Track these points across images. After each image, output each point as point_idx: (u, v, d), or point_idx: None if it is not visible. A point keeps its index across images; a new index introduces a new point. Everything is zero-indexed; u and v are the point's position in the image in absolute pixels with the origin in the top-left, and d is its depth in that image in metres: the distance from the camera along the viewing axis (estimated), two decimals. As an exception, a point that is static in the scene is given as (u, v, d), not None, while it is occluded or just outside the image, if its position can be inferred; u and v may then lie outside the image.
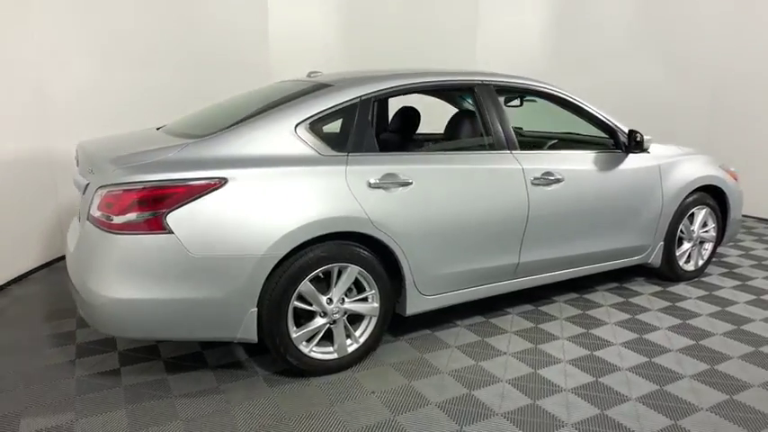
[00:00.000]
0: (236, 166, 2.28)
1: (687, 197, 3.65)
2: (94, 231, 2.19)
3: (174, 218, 2.16)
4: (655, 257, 3.65)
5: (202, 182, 2.20)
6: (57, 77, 3.99)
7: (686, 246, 3.79)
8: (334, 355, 2.55)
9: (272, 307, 2.34)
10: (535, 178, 2.98)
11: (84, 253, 2.24)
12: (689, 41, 5.91)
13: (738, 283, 3.85)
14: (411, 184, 2.61)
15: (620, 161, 3.35)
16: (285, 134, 2.44)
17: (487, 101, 3.00)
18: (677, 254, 3.74)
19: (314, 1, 5.55)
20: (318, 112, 2.53)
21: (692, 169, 3.65)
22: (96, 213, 2.19)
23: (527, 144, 4.07)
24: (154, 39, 4.50)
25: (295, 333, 2.42)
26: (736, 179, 3.97)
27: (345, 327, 2.56)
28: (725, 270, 4.13)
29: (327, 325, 2.51)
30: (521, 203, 2.93)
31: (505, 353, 2.79)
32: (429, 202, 2.65)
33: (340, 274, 2.50)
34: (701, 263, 3.90)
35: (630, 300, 3.52)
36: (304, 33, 5.54)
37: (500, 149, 2.96)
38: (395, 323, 3.05)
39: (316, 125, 2.53)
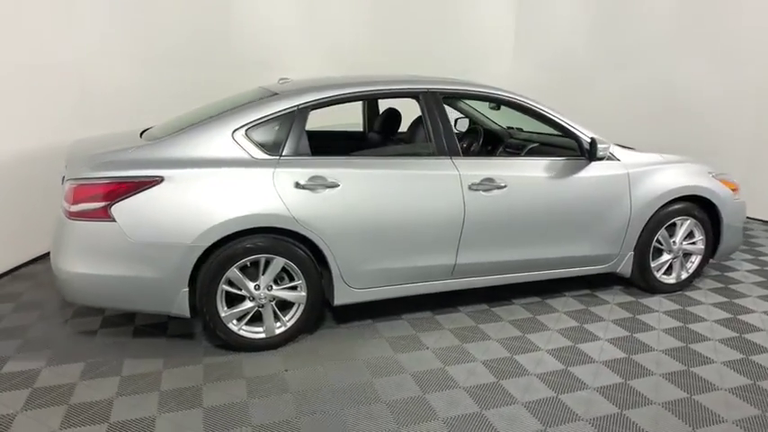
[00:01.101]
0: (173, 167, 2.66)
1: (664, 207, 3.52)
2: (61, 218, 2.69)
3: (117, 208, 2.58)
4: (624, 267, 3.58)
5: (141, 179, 2.61)
6: (99, 77, 4.64)
7: (666, 257, 3.67)
8: (263, 335, 2.89)
9: (203, 289, 2.72)
10: (473, 184, 3.08)
11: (55, 236, 2.75)
12: (737, 36, 5.46)
13: (722, 300, 3.66)
14: (338, 186, 2.85)
15: (581, 168, 3.33)
16: (223, 139, 2.79)
17: (432, 108, 3.14)
18: (653, 265, 3.63)
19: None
20: (256, 120, 2.84)
21: (669, 178, 3.52)
22: (63, 203, 2.68)
23: (514, 146, 4.11)
24: (194, 39, 5.10)
25: (224, 312, 2.79)
26: (735, 190, 3.74)
27: (274, 311, 2.88)
28: (719, 285, 3.91)
29: (256, 308, 2.85)
30: (456, 207, 3.05)
31: (429, 347, 2.97)
32: (355, 202, 2.87)
33: (268, 263, 2.82)
34: (684, 276, 3.75)
35: (591, 308, 3.50)
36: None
37: (440, 155, 3.10)
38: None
39: (253, 131, 2.84)
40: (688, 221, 3.63)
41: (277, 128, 2.89)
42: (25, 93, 3.90)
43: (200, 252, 2.66)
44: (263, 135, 2.86)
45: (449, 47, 6.63)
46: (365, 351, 2.93)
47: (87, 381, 2.61)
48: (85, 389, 2.54)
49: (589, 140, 3.33)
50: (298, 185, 2.79)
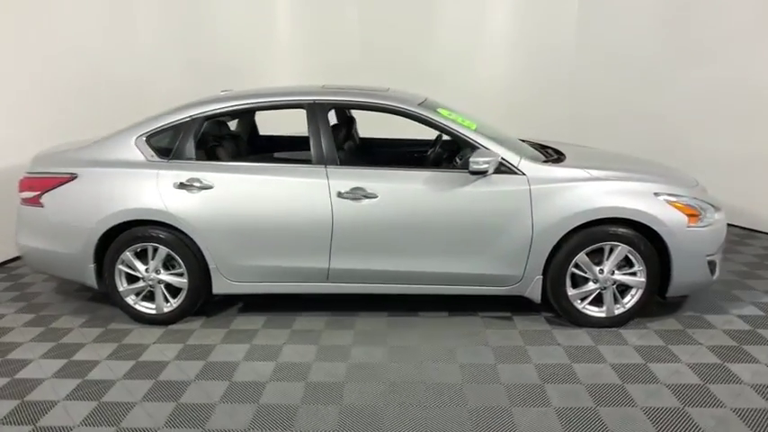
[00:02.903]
0: (85, 166, 3.32)
1: (582, 229, 3.13)
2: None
3: (45, 197, 3.33)
4: (532, 291, 3.27)
5: (61, 176, 3.32)
6: (154, 88, 5.64)
7: (591, 286, 3.24)
8: (154, 312, 3.40)
9: (106, 266, 3.33)
10: (342, 192, 3.17)
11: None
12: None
13: (649, 344, 3.10)
14: (212, 187, 3.22)
15: (467, 182, 3.16)
16: (127, 145, 3.36)
17: (315, 118, 3.30)
18: (572, 293, 3.24)
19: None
20: (154, 129, 3.36)
21: (583, 198, 3.11)
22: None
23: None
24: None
25: (122, 288, 3.36)
26: (693, 216, 3.12)
27: (163, 292, 3.37)
28: (675, 328, 3.29)
29: (147, 287, 3.37)
30: (324, 214, 3.18)
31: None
32: (227, 203, 3.21)
33: (154, 252, 3.32)
34: (619, 311, 3.25)
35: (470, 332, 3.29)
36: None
37: (316, 164, 3.25)
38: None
39: (152, 138, 3.36)
40: (619, 248, 3.15)
41: (171, 135, 3.36)
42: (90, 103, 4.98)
43: (99, 235, 3.27)
44: (159, 141, 3.37)
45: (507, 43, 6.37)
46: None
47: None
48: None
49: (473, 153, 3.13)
50: (177, 185, 3.23)
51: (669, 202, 3.14)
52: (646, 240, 3.13)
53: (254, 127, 4.47)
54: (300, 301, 3.65)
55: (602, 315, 3.27)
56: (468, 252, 3.21)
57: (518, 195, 3.14)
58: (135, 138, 3.37)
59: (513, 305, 3.56)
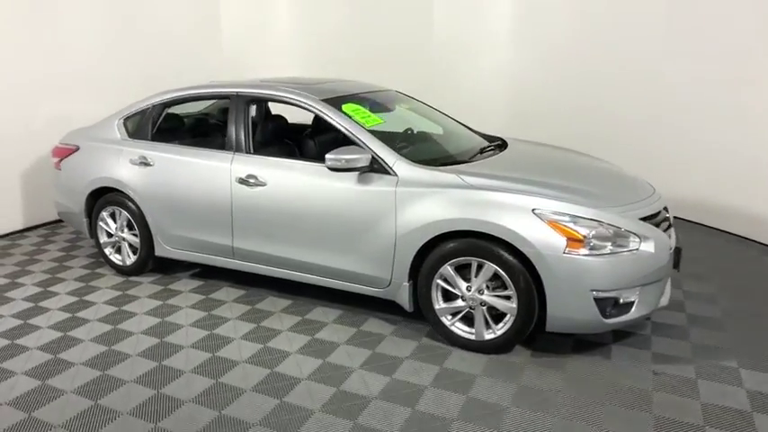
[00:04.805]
0: (85, 140, 4.17)
1: (450, 238, 2.89)
2: None
3: (62, 163, 4.29)
4: (401, 298, 3.12)
5: (70, 147, 4.23)
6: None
7: (459, 303, 2.96)
8: (121, 263, 4.13)
9: (94, 222, 4.17)
10: (239, 178, 3.44)
11: None
12: None
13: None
14: (153, 165, 3.79)
15: (342, 178, 3.15)
16: (113, 125, 4.11)
17: (234, 108, 3.61)
18: (439, 307, 3.00)
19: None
20: (130, 113, 4.06)
21: (440, 207, 2.87)
22: None
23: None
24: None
25: (102, 240, 4.16)
26: (578, 241, 2.64)
27: (127, 249, 4.08)
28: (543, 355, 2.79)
29: (117, 243, 4.12)
30: (226, 197, 3.50)
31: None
32: (160, 180, 3.75)
33: (119, 214, 4.03)
34: (489, 336, 2.91)
35: (316, 335, 3.23)
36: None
37: (227, 150, 3.57)
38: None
39: (128, 120, 4.06)
40: (485, 266, 2.82)
41: (138, 119, 4.02)
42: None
43: (85, 196, 4.11)
44: (131, 124, 4.06)
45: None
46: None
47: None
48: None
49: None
50: (131, 162, 3.88)
51: (549, 222, 2.69)
52: (517, 262, 2.74)
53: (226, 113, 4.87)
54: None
55: (472, 337, 2.97)
56: (341, 248, 3.21)
57: (384, 196, 3.03)
58: (118, 119, 4.11)
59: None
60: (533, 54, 6.21)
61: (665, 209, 3.20)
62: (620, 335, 3.14)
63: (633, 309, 2.77)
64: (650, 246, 2.75)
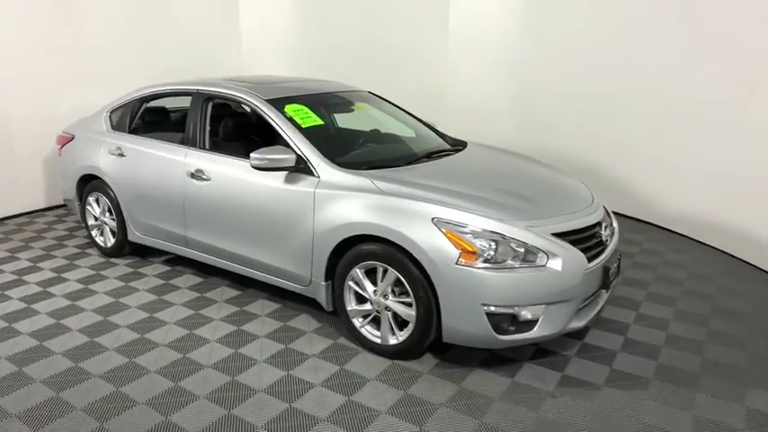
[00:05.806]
0: (80, 130, 4.54)
1: (361, 242, 2.92)
2: None
3: (63, 150, 4.69)
4: (320, 297, 3.18)
5: (68, 135, 4.62)
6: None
7: (368, 306, 2.98)
8: (103, 245, 4.47)
9: (83, 205, 4.55)
10: (190, 173, 3.63)
11: None
12: None
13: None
14: (125, 156, 4.07)
15: (270, 176, 3.25)
16: (101, 117, 4.44)
17: (194, 105, 3.80)
18: (350, 308, 3.04)
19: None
20: (115, 106, 4.37)
21: (347, 210, 2.91)
22: None
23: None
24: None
25: (90, 222, 4.52)
26: (469, 253, 2.59)
27: (108, 232, 4.41)
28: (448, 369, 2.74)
29: (101, 225, 4.46)
30: (179, 189, 3.71)
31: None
32: (130, 169, 4.03)
33: (101, 200, 4.36)
34: (393, 342, 2.92)
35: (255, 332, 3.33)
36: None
37: (185, 144, 3.77)
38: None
39: (113, 113, 4.37)
40: (389, 271, 2.82)
41: (121, 112, 4.32)
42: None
43: (75, 181, 4.48)
44: (115, 116, 4.37)
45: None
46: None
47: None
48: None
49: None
50: (109, 152, 4.18)
51: (445, 232, 2.65)
52: (416, 270, 2.73)
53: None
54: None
55: (378, 341, 2.98)
56: (269, 244, 3.31)
57: (305, 196, 3.10)
58: (106, 112, 4.44)
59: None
60: (540, 64, 5.99)
61: (606, 223, 3.06)
62: (541, 353, 3.03)
63: (536, 327, 2.67)
64: (557, 263, 2.64)
